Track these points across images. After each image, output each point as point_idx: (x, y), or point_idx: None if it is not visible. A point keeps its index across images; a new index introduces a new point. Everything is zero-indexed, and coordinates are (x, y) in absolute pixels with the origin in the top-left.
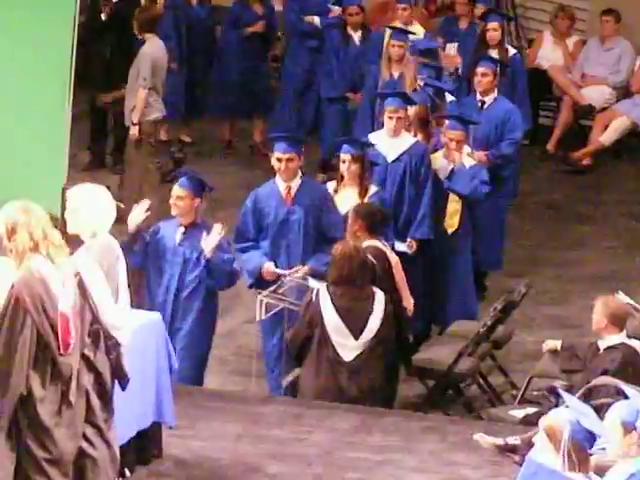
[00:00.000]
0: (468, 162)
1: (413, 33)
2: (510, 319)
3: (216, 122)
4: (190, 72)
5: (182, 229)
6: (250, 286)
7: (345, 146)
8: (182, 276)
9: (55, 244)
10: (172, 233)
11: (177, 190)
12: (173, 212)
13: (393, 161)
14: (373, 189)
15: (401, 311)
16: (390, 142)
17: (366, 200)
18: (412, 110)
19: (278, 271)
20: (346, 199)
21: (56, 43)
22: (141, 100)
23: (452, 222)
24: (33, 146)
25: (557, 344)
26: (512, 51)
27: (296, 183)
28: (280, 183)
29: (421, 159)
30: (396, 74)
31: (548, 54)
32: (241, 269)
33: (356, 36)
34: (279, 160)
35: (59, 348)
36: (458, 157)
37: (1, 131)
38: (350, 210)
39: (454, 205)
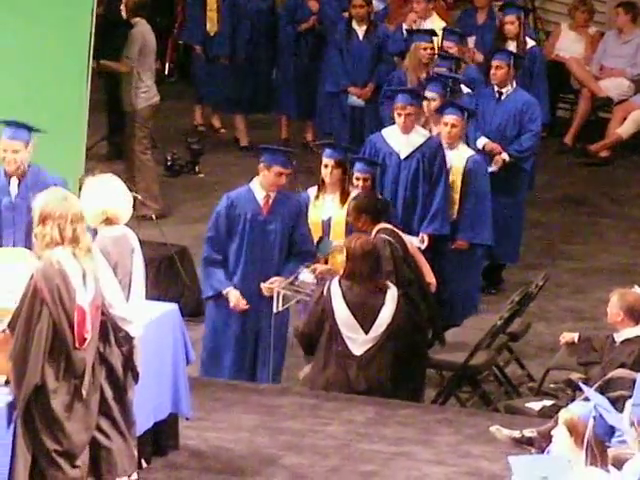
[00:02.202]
0: (467, 153)
1: (436, 34)
2: (527, 311)
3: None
4: (251, 66)
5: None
6: (206, 298)
7: (329, 150)
8: None
9: (81, 248)
10: None
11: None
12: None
13: (406, 158)
14: (354, 193)
15: (426, 288)
16: (402, 139)
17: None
18: (430, 104)
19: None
20: (327, 205)
21: (74, 34)
22: (116, 67)
23: (451, 212)
24: (50, 137)
25: (574, 337)
26: (530, 43)
27: (274, 193)
28: (258, 191)
29: (434, 155)
30: (423, 77)
31: (566, 46)
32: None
33: (360, 30)
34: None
35: (74, 342)
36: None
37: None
38: (349, 209)
39: (452, 195)
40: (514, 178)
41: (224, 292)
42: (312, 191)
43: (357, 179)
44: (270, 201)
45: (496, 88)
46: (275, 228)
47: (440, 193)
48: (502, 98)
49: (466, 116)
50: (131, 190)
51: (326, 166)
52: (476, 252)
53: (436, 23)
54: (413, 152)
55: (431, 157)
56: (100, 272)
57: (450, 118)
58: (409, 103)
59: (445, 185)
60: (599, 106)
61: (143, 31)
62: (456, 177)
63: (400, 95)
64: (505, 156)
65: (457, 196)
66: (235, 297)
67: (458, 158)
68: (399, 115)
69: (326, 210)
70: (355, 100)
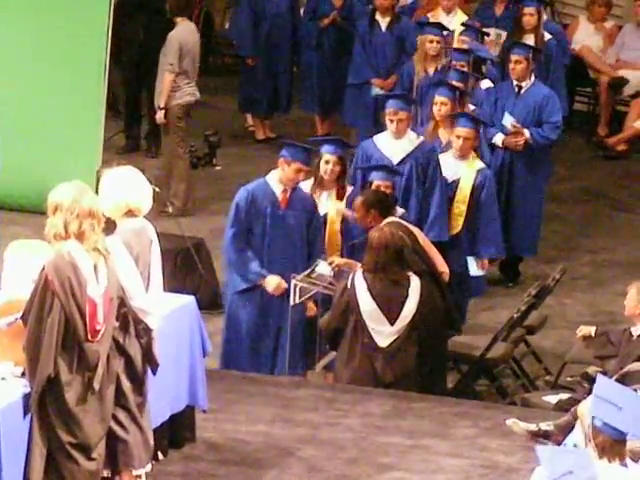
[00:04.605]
0: (478, 165)
1: (447, 29)
2: (544, 305)
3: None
4: (271, 66)
5: None
6: (239, 291)
7: (331, 146)
8: None
9: (89, 245)
10: None
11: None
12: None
13: (398, 163)
14: (349, 190)
15: (439, 278)
16: (394, 144)
17: (343, 202)
18: (440, 109)
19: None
20: (324, 201)
21: (91, 26)
22: (167, 85)
23: (456, 224)
24: (68, 129)
25: (591, 330)
26: (547, 36)
27: (291, 188)
28: (276, 185)
29: (427, 159)
30: (431, 70)
31: (584, 39)
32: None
33: (384, 22)
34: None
35: (86, 334)
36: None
37: (37, 114)
38: (356, 205)
39: (459, 207)
40: (533, 171)
41: (261, 282)
42: (306, 186)
43: (327, 162)
44: (288, 195)
45: (515, 82)
46: (294, 222)
47: (437, 198)
48: (521, 92)
49: (481, 127)
50: (150, 183)
51: (327, 162)
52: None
53: (460, 18)
54: (405, 157)
55: (424, 162)
56: (119, 264)
57: (462, 131)
58: (400, 108)
59: (441, 190)
60: (616, 86)
61: (181, 33)
62: (465, 189)
63: (391, 100)
64: (527, 134)
65: (464, 207)
66: (275, 282)
67: (468, 170)
68: (391, 121)
69: (322, 206)
70: (378, 91)
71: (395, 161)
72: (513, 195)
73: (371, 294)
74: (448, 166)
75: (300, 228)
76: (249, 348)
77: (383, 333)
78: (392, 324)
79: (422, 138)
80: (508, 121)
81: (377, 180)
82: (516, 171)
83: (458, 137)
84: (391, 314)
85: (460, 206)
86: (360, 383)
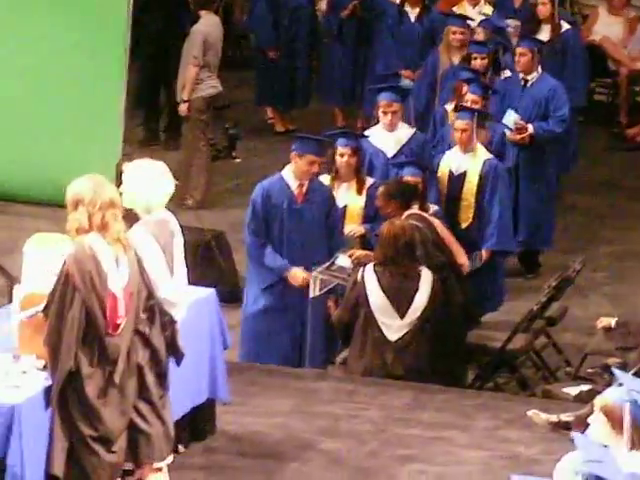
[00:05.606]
0: (484, 156)
1: (471, 19)
2: (564, 296)
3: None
4: (290, 59)
5: None
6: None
7: (343, 139)
8: None
9: (111, 235)
10: None
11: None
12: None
13: (393, 156)
14: (369, 181)
15: (459, 271)
16: (388, 137)
17: (364, 193)
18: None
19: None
20: (343, 194)
21: (111, 18)
22: (190, 77)
23: (466, 216)
24: (88, 121)
25: (611, 321)
26: (565, 26)
27: (307, 182)
28: (291, 180)
29: (422, 150)
30: (456, 60)
31: (603, 30)
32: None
33: (412, 13)
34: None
35: (107, 327)
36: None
37: (57, 106)
38: (378, 195)
39: (468, 199)
40: (541, 164)
41: (285, 274)
42: (324, 180)
43: (341, 155)
44: (304, 189)
45: (521, 75)
46: (312, 216)
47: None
48: (527, 85)
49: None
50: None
51: (342, 155)
52: (497, 259)
53: (485, 9)
54: (400, 149)
55: (419, 152)
56: (146, 254)
57: (460, 123)
58: (393, 100)
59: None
60: (636, 77)
61: (205, 26)
62: (472, 181)
63: (383, 93)
64: (531, 129)
65: (473, 199)
66: (300, 275)
67: (474, 161)
68: (384, 113)
69: (341, 198)
70: (407, 83)
71: (390, 154)
72: (521, 189)
73: (381, 287)
74: (454, 160)
75: (318, 221)
76: (268, 342)
77: (393, 327)
78: (402, 317)
79: (414, 129)
80: (511, 118)
81: (407, 176)
82: (523, 165)
83: (457, 130)
84: (401, 307)
85: (469, 198)
86: (371, 376)
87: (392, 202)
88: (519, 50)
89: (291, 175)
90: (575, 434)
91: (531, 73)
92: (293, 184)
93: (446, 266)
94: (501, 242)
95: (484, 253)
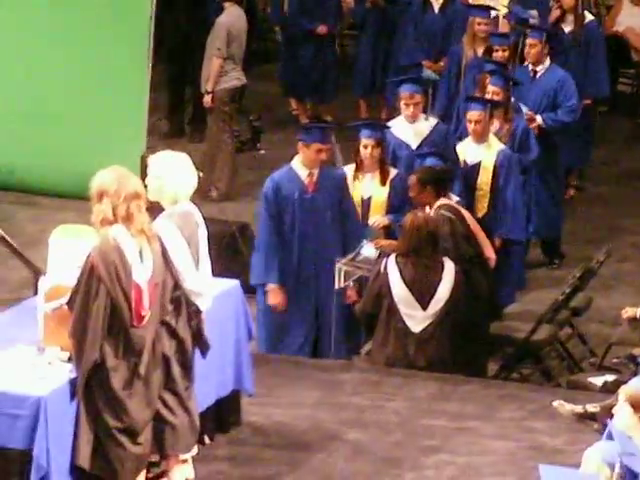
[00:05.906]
0: (498, 146)
1: (494, 8)
2: (589, 287)
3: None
4: (315, 50)
5: None
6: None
7: (367, 131)
8: None
9: (135, 227)
10: None
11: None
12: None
13: (417, 147)
14: (393, 172)
15: (486, 264)
16: (410, 129)
17: (387, 183)
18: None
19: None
20: (367, 184)
21: (135, 11)
22: (215, 69)
23: (481, 206)
24: (113, 114)
25: (637, 311)
26: (589, 17)
27: (317, 170)
28: (301, 170)
29: (444, 141)
30: (480, 51)
31: (627, 21)
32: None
33: (437, 4)
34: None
35: (132, 319)
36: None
37: (82, 99)
38: (411, 181)
39: (483, 188)
40: (553, 155)
41: (267, 288)
42: (348, 170)
43: (365, 147)
44: (314, 178)
45: (530, 67)
46: (324, 205)
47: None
48: (537, 76)
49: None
50: (195, 167)
51: (366, 147)
52: (511, 247)
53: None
54: (423, 141)
55: (442, 143)
56: (171, 246)
57: (472, 115)
58: (415, 91)
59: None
60: None
61: (229, 18)
62: (486, 171)
63: (405, 84)
64: (539, 120)
65: (488, 189)
66: (279, 297)
67: (487, 152)
68: (407, 105)
69: (365, 189)
70: (429, 74)
71: (414, 146)
72: (532, 179)
73: (403, 279)
74: (469, 151)
75: (331, 209)
76: (282, 334)
77: (416, 318)
78: (424, 309)
79: (437, 120)
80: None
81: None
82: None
83: (470, 122)
84: (423, 299)
85: (484, 187)
86: (394, 367)
87: (427, 188)
88: (529, 41)
89: (300, 165)
90: (611, 424)
91: (540, 64)
92: (303, 174)
93: (474, 259)
94: (513, 230)
95: (496, 241)
